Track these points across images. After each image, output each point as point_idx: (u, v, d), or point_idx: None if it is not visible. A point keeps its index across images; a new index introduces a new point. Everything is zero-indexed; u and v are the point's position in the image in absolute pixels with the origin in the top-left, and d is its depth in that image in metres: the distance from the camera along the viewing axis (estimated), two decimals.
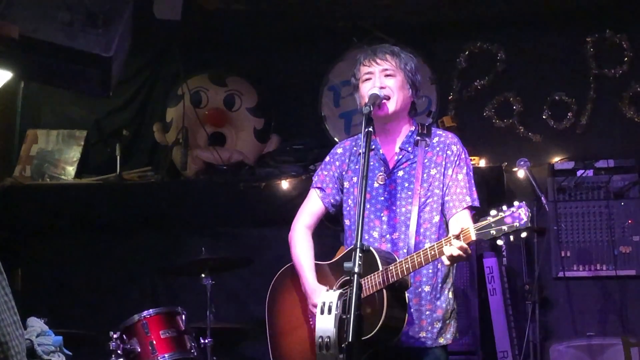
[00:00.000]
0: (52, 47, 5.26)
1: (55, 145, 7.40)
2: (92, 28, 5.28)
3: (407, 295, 3.85)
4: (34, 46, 5.27)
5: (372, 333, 3.68)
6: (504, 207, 3.58)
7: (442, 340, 4.02)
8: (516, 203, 3.57)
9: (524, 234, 3.56)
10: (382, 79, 4.03)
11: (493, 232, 3.57)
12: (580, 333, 6.37)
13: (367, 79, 4.07)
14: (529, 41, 6.95)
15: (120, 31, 5.37)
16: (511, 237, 3.58)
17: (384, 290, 3.76)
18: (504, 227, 3.55)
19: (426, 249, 3.74)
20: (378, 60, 4.05)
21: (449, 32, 7.07)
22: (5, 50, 5.31)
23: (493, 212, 3.59)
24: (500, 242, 3.62)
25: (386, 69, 4.04)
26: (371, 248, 3.80)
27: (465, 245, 3.62)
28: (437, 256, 3.71)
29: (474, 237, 3.61)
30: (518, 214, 3.54)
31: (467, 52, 7.01)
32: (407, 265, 3.73)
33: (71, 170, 7.30)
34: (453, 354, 5.22)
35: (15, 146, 7.49)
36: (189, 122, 7.19)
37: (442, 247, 3.67)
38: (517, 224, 3.53)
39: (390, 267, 3.76)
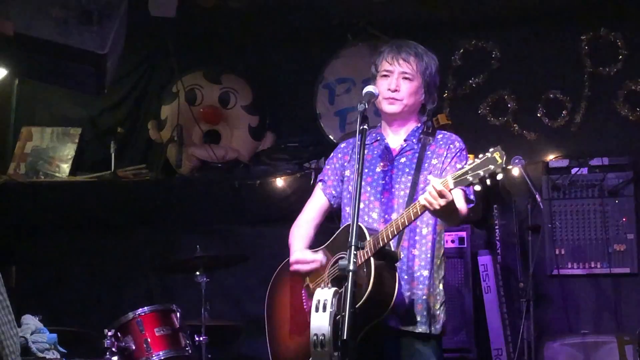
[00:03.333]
0: (47, 45, 5.26)
1: (49, 142, 7.38)
2: (86, 25, 5.28)
3: (399, 272, 3.86)
4: (28, 43, 5.27)
5: (359, 304, 3.63)
6: (480, 155, 3.59)
7: (433, 329, 4.03)
8: (491, 148, 3.58)
9: (499, 176, 3.55)
10: (398, 82, 4.09)
11: (470, 177, 3.57)
12: (574, 331, 6.39)
13: (384, 76, 4.13)
14: (524, 39, 6.95)
15: (115, 28, 5.37)
16: (488, 182, 3.57)
17: (372, 260, 3.76)
18: (480, 172, 3.55)
19: (408, 208, 3.76)
20: (401, 62, 4.11)
21: (443, 30, 7.06)
22: (0, 48, 5.31)
23: (469, 160, 3.62)
24: (478, 188, 3.60)
25: (405, 72, 4.11)
26: (360, 225, 3.79)
27: (443, 190, 3.58)
28: (419, 211, 3.70)
29: (451, 185, 3.60)
30: (493, 157, 3.55)
31: (461, 50, 7.02)
32: (391, 229, 3.76)
33: (66, 167, 7.29)
34: (447, 351, 5.24)
35: (9, 143, 7.47)
36: (183, 120, 7.19)
37: (421, 200, 3.67)
38: (493, 167, 3.54)
39: (377, 234, 3.79)
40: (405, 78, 4.11)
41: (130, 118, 7.57)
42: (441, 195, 3.60)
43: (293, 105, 7.40)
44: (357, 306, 3.59)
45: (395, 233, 3.77)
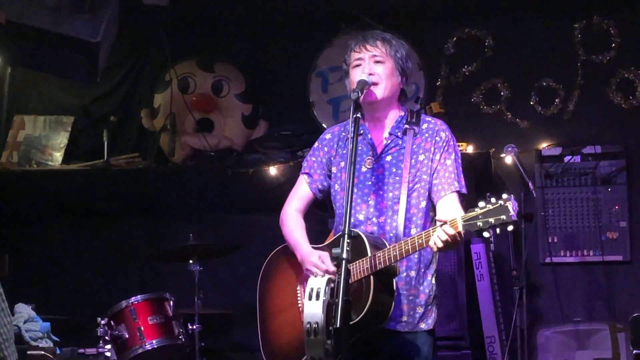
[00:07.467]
0: (39, 33, 5.25)
1: (42, 131, 7.37)
2: (79, 14, 5.27)
3: (394, 281, 3.85)
4: (20, 32, 5.26)
5: (358, 318, 3.68)
6: (492, 199, 3.55)
7: (422, 326, 4.00)
8: (504, 196, 3.54)
9: (510, 227, 3.54)
10: (371, 66, 4.01)
11: (480, 223, 3.55)
12: (567, 318, 6.42)
13: (357, 65, 4.05)
14: (517, 27, 6.95)
15: (108, 17, 5.36)
16: (498, 230, 3.56)
17: (372, 276, 3.76)
18: (491, 220, 3.53)
19: (414, 237, 3.74)
20: (368, 47, 4.04)
21: (437, 18, 7.06)
22: None
23: (481, 203, 3.57)
24: (486, 235, 3.60)
25: (375, 55, 4.03)
26: (360, 233, 3.81)
27: (452, 233, 3.61)
28: (425, 245, 3.70)
29: (460, 228, 3.59)
30: (506, 206, 3.52)
31: (455, 38, 7.01)
32: (394, 253, 3.74)
33: (58, 156, 7.28)
34: (440, 339, 5.25)
35: (2, 132, 7.46)
36: (176, 108, 7.18)
37: (430, 235, 3.67)
38: (504, 217, 3.52)
39: (378, 254, 3.76)
40: (377, 62, 4.02)
41: (123, 106, 7.56)
42: (452, 239, 3.62)
43: (286, 94, 7.38)
44: (356, 320, 3.64)
45: (398, 258, 3.76)
